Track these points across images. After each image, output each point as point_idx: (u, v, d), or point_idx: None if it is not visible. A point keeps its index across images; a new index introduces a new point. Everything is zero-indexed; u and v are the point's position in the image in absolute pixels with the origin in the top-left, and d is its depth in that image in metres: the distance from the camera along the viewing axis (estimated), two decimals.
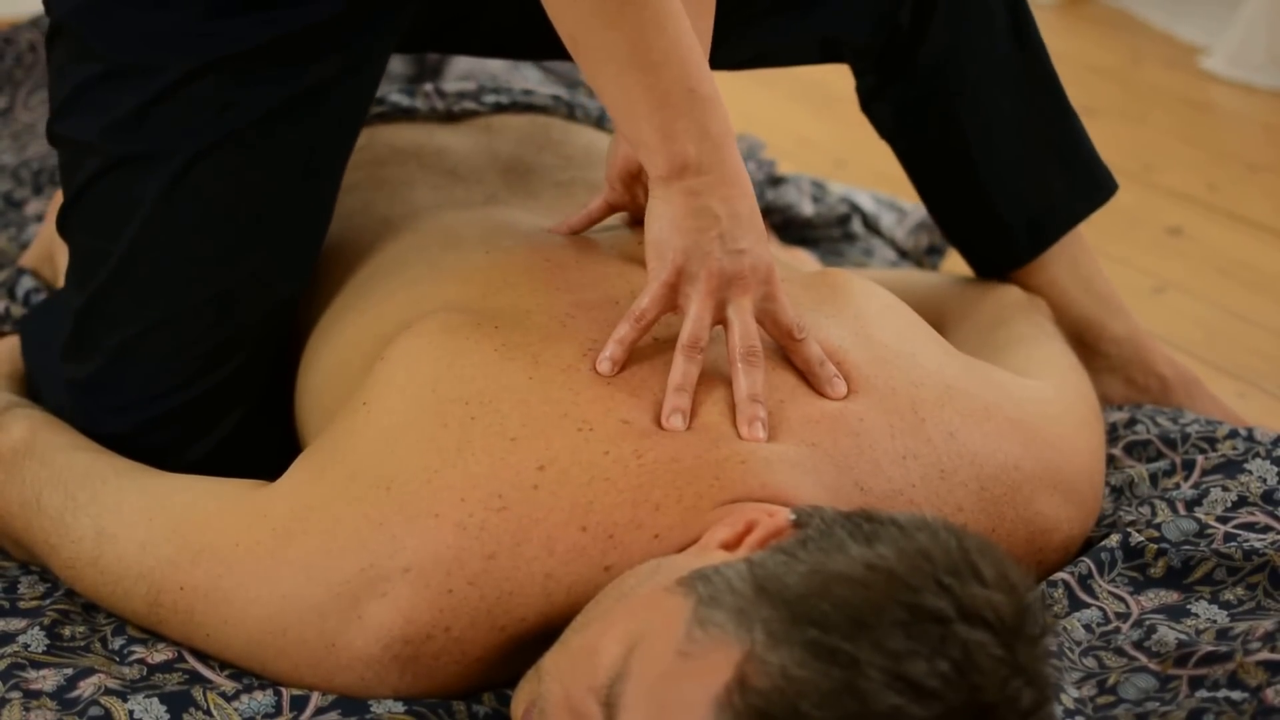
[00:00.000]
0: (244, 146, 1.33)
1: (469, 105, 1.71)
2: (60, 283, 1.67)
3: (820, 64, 1.57)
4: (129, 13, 1.32)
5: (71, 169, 1.37)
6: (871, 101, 1.60)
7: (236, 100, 1.32)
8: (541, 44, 1.39)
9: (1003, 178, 1.58)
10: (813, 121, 2.77)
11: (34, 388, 1.51)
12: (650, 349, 1.18)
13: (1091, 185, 1.62)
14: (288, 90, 1.33)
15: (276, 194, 1.36)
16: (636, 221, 1.37)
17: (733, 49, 1.44)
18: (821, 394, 1.18)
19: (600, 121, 1.79)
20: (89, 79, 1.34)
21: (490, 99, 1.73)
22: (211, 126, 1.32)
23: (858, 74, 1.60)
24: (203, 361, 1.37)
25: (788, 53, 1.56)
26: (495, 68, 2.22)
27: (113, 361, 1.37)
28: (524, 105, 1.73)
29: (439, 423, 1.12)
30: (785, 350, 1.19)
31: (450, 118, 1.70)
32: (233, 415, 1.39)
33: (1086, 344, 1.61)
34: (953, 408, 1.21)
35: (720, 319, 1.17)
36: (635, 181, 1.34)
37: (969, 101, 1.55)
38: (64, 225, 1.40)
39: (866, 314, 1.26)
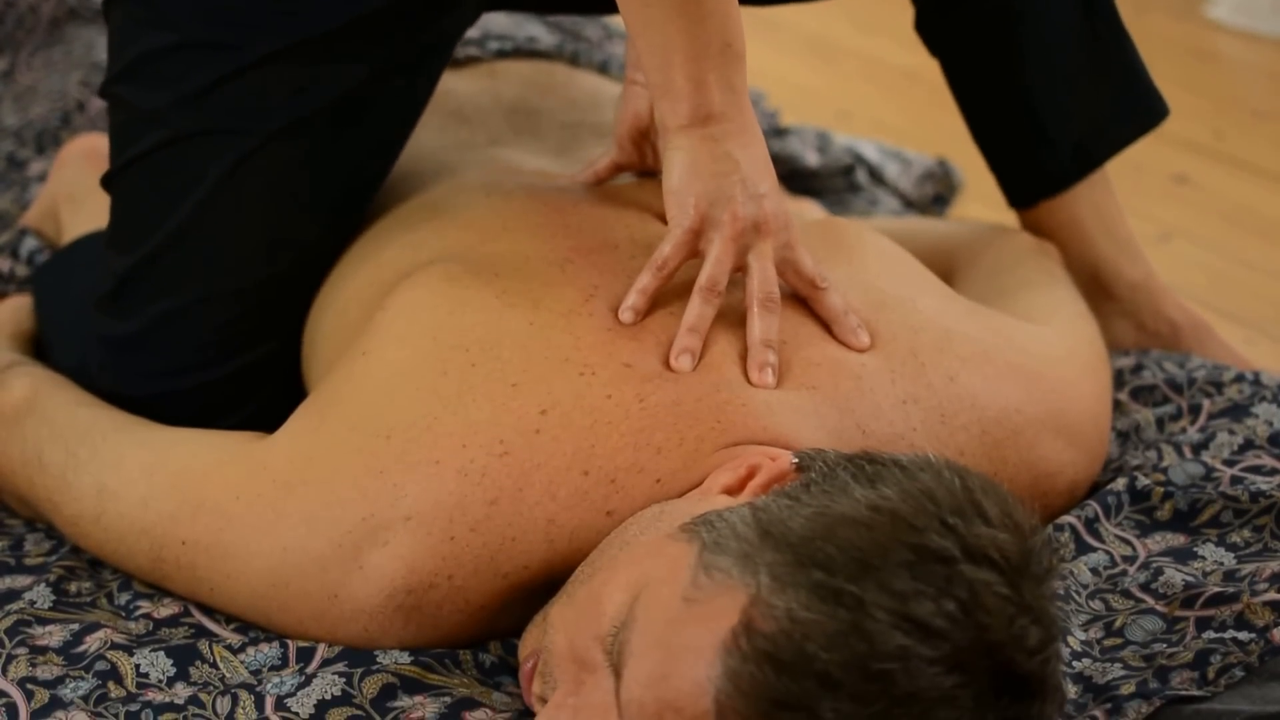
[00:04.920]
0: (315, 130, 1.31)
1: (472, 51, 1.71)
2: (64, 240, 1.66)
3: None
4: None
5: (129, 133, 1.35)
6: (928, 20, 1.57)
7: (313, 82, 1.30)
8: None
9: (1055, 98, 1.55)
10: (815, 74, 2.76)
11: (44, 344, 1.50)
12: None
13: (1142, 109, 1.59)
14: (365, 71, 1.31)
15: (343, 176, 1.35)
16: (641, 175, 1.37)
17: None
18: (845, 344, 1.17)
19: (604, 68, 1.78)
20: (160, 48, 1.31)
21: (494, 45, 1.72)
22: (285, 109, 1.30)
23: None
24: (243, 339, 1.36)
25: None
26: (499, 20, 2.20)
27: (152, 326, 1.36)
28: (527, 51, 1.72)
29: (439, 370, 1.12)
30: (807, 300, 1.19)
31: (453, 64, 1.69)
32: (259, 396, 1.38)
33: (1101, 286, 1.59)
34: (953, 352, 1.20)
35: (740, 264, 1.17)
36: (644, 140, 1.34)
37: (1031, 22, 1.52)
38: (113, 185, 1.38)
39: (865, 259, 1.26)
